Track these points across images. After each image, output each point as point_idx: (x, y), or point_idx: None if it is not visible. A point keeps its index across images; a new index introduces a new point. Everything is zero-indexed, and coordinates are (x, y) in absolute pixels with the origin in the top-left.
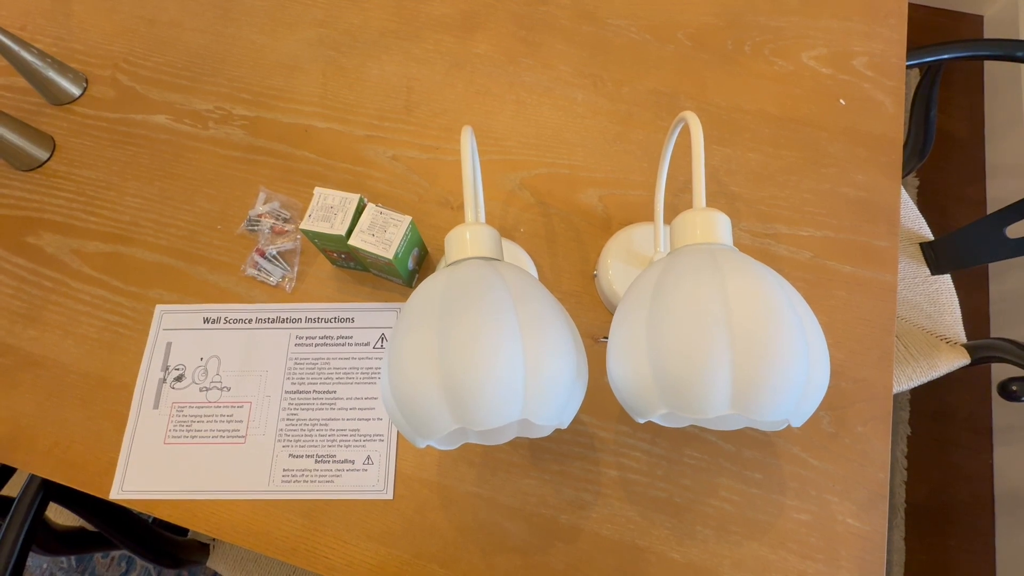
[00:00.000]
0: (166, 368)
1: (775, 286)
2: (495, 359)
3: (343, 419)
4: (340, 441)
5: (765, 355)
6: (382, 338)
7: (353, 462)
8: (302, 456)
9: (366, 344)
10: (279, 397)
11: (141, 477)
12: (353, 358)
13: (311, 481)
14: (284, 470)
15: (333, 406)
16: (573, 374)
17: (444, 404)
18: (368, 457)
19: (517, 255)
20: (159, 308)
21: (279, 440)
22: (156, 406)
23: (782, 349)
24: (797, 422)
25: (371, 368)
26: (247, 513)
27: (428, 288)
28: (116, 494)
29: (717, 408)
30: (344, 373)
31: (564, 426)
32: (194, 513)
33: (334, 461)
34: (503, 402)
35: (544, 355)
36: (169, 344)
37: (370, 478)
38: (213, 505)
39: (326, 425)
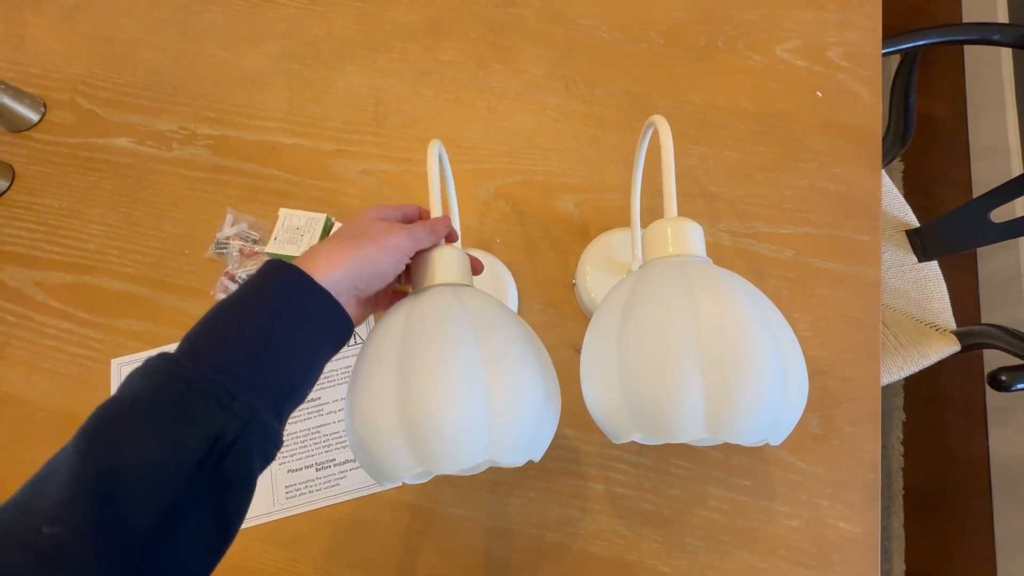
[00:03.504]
0: None
1: (748, 304)
2: (456, 401)
3: (334, 422)
4: (336, 444)
5: (737, 379)
6: (354, 333)
7: (355, 460)
8: (301, 468)
9: None
10: None
11: None
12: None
13: (316, 490)
14: (286, 486)
15: (320, 412)
16: (541, 409)
17: (405, 448)
18: None
19: (494, 267)
20: (115, 362)
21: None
22: None
23: (755, 372)
24: (776, 440)
25: (350, 367)
26: None
27: (388, 323)
28: None
29: (690, 433)
30: (324, 378)
31: (536, 459)
32: None
33: (335, 464)
34: (466, 445)
35: (509, 393)
36: None
37: None
38: None
39: (318, 432)
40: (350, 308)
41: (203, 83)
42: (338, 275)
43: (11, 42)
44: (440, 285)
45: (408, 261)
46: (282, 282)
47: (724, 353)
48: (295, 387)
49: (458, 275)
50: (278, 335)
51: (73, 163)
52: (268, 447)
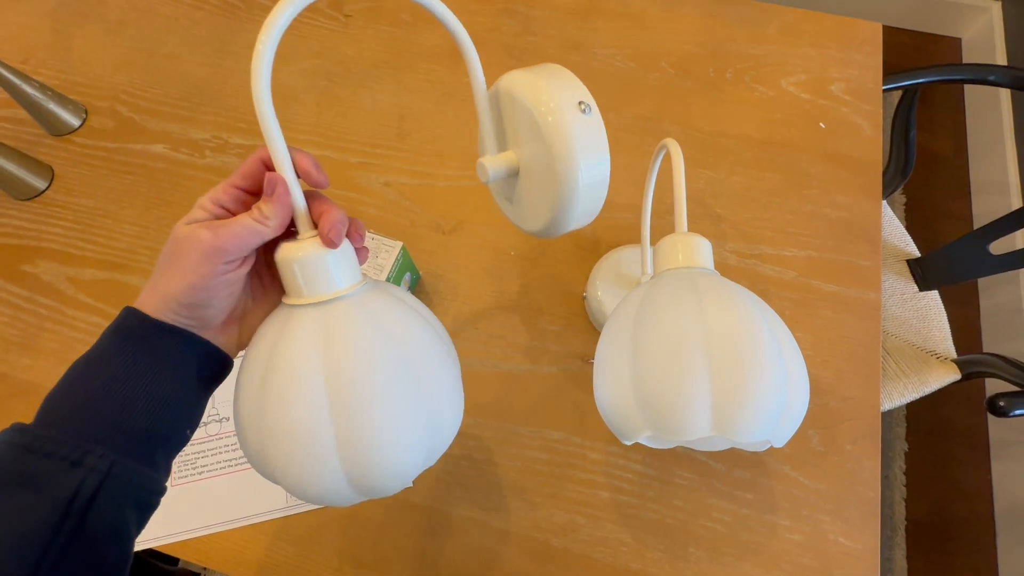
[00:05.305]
0: None
1: (753, 311)
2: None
3: None
4: None
5: (743, 380)
6: None
7: None
8: None
9: None
10: None
11: (152, 524)
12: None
13: None
14: None
15: None
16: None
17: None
18: None
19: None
20: None
21: None
22: None
23: (760, 373)
24: (779, 442)
25: None
26: (238, 542)
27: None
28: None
29: (698, 431)
30: None
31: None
32: (192, 547)
33: None
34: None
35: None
36: None
37: None
38: (213, 536)
39: None
40: (221, 331)
41: (237, 96)
42: (173, 309)
43: (58, 53)
44: (309, 305)
45: (252, 258)
46: (119, 328)
47: (731, 355)
48: (163, 431)
49: (333, 281)
50: (128, 383)
51: (110, 166)
52: (141, 493)
